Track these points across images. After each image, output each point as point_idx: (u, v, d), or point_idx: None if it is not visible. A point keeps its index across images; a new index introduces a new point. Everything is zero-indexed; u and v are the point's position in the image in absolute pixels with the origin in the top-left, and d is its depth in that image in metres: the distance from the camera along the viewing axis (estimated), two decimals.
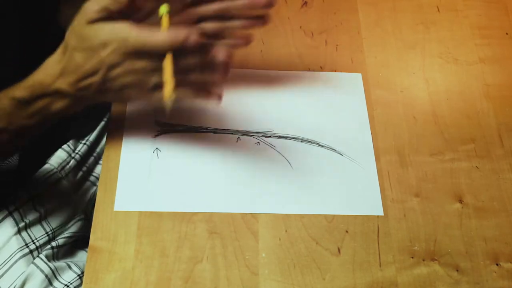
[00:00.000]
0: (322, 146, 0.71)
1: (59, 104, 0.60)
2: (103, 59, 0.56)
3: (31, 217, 0.74)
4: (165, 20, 0.58)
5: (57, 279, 0.70)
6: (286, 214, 0.66)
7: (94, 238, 0.63)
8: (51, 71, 0.59)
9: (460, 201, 0.68)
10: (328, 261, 0.63)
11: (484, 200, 0.68)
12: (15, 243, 0.71)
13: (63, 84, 0.58)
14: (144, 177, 0.67)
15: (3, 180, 0.73)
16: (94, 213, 0.64)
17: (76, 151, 0.80)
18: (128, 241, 0.63)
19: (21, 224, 0.72)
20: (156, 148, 0.70)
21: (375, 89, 0.77)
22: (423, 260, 0.64)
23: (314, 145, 0.72)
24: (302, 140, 0.72)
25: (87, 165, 0.83)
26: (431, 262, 0.64)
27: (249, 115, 0.74)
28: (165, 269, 0.62)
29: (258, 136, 0.72)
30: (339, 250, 0.64)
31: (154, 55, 0.55)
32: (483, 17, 0.85)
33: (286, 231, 0.65)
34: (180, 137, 0.71)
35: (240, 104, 0.74)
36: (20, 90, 0.60)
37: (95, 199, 0.82)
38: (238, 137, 0.71)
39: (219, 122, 0.73)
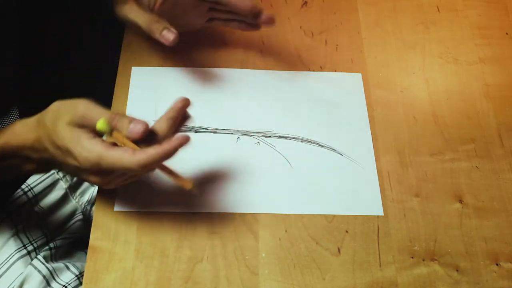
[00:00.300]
0: (322, 146, 0.71)
1: (28, 166, 0.60)
2: (69, 162, 0.55)
3: (29, 218, 0.73)
4: (119, 138, 0.55)
5: (55, 280, 0.70)
6: (286, 214, 0.66)
7: (94, 238, 0.63)
8: (23, 138, 0.57)
9: (460, 201, 0.68)
10: (328, 261, 0.63)
11: (484, 200, 0.68)
12: (13, 244, 0.71)
13: (32, 153, 0.58)
14: (144, 176, 0.67)
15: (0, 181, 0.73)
16: (94, 213, 0.64)
17: None
18: (128, 241, 0.63)
19: (19, 226, 0.72)
20: None
21: (375, 89, 0.77)
22: (423, 260, 0.64)
23: (314, 145, 0.72)
24: (302, 140, 0.72)
25: None
26: (431, 262, 0.64)
27: (249, 115, 0.74)
28: (165, 269, 0.62)
29: (258, 136, 0.72)
30: (339, 250, 0.64)
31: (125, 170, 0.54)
32: (483, 17, 0.85)
33: (286, 231, 0.65)
34: None
35: (240, 104, 0.74)
36: None
37: (93, 200, 0.82)
38: (238, 137, 0.71)
39: (219, 122, 0.73)
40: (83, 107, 0.54)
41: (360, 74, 0.78)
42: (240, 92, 0.75)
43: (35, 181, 0.75)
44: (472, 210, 0.67)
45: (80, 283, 0.71)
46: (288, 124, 0.73)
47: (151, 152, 0.53)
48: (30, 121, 0.58)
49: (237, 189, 0.67)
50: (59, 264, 0.72)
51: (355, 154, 0.71)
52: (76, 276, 0.71)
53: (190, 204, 0.66)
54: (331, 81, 0.77)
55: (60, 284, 0.70)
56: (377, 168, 0.70)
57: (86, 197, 0.81)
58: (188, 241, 0.63)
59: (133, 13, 0.66)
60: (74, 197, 0.79)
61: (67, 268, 0.72)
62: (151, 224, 0.64)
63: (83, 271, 0.69)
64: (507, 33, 0.83)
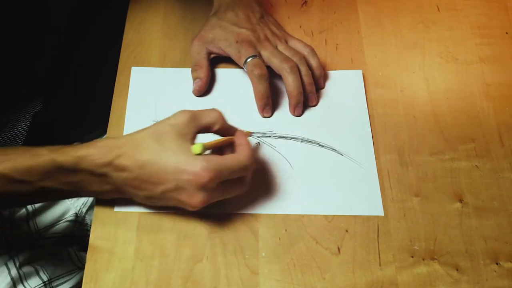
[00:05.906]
0: (322, 146, 0.71)
1: (98, 186, 0.59)
2: (158, 192, 0.58)
3: (19, 215, 0.74)
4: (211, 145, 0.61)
5: (22, 283, 0.71)
6: (286, 213, 0.66)
7: (94, 238, 0.63)
8: (105, 154, 0.56)
9: (460, 201, 0.68)
10: (328, 260, 0.63)
11: (484, 199, 0.68)
12: None
13: (112, 172, 0.57)
14: None
15: None
16: (94, 213, 0.64)
17: None
18: (128, 241, 0.63)
19: (7, 223, 0.72)
20: None
21: (375, 88, 0.77)
22: (423, 259, 0.64)
23: (314, 145, 0.72)
24: (302, 140, 0.72)
25: None
26: (431, 261, 0.64)
27: (249, 115, 0.74)
28: (165, 269, 0.62)
29: (258, 136, 0.72)
30: (339, 249, 0.64)
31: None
32: (483, 17, 0.85)
33: (286, 230, 0.65)
34: None
35: (240, 104, 0.75)
36: (65, 156, 0.56)
37: (89, 203, 0.82)
38: None
39: None
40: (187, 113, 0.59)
41: (360, 71, 0.78)
42: (240, 92, 0.75)
43: None
44: (472, 210, 0.67)
45: None
46: (288, 124, 0.73)
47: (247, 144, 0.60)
48: (116, 137, 0.59)
49: None
50: (30, 268, 0.72)
51: (355, 153, 0.71)
52: (43, 282, 0.72)
53: None
54: (332, 79, 0.77)
55: None
56: (377, 168, 0.70)
57: (82, 199, 0.81)
58: (188, 241, 0.63)
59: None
60: (70, 199, 0.79)
61: (37, 273, 0.72)
62: (151, 224, 0.64)
63: (52, 278, 0.69)
64: (507, 33, 0.83)
